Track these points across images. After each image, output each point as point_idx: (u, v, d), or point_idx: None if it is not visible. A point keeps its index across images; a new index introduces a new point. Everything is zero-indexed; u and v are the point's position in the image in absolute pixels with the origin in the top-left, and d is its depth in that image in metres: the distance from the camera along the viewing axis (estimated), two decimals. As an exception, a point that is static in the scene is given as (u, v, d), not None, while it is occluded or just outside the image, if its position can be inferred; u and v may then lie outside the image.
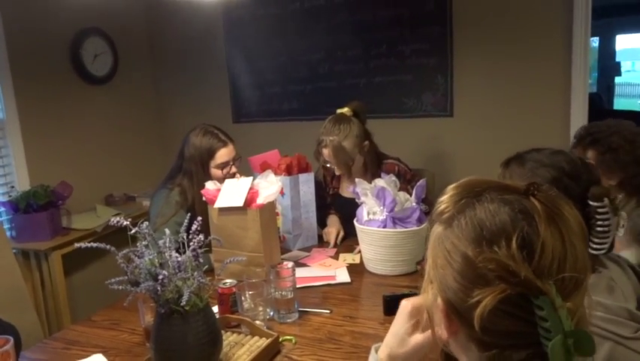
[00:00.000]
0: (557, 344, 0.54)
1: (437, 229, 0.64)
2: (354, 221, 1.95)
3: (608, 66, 9.30)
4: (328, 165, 2.28)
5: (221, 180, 2.06)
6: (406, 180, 2.24)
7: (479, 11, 2.84)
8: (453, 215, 0.62)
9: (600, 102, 6.95)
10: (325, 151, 2.22)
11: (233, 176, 2.13)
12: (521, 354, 0.57)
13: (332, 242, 2.19)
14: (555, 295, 0.55)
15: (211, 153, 2.09)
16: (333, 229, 2.24)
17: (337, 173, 2.32)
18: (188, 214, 2.01)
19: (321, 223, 2.33)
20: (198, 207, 2.01)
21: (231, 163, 2.14)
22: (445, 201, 0.64)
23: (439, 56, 2.94)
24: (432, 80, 2.99)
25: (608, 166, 1.61)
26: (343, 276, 1.85)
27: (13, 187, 2.79)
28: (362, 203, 1.93)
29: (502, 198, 0.60)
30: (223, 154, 2.11)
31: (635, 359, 0.83)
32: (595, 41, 7.87)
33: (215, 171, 2.11)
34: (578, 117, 2.70)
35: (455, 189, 0.65)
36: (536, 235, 0.56)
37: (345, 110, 2.28)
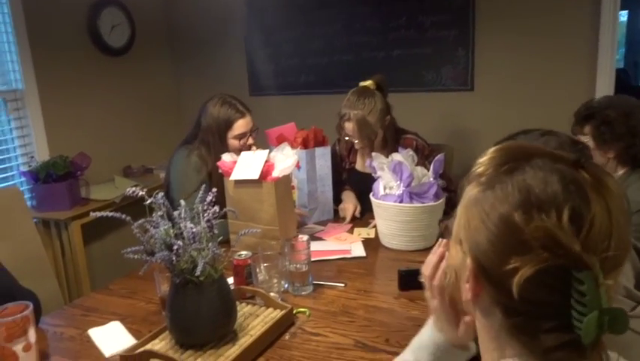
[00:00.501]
0: (593, 320, 0.53)
1: (474, 189, 0.62)
2: (370, 195, 1.93)
3: (637, 41, 8.99)
4: (347, 139, 2.26)
5: (237, 151, 2.06)
6: (424, 156, 2.21)
7: (503, -18, 2.75)
8: (495, 177, 0.60)
9: (627, 78, 6.74)
10: (348, 125, 2.19)
11: (250, 147, 2.12)
12: (548, 324, 0.56)
13: (348, 217, 2.18)
14: (598, 271, 0.53)
15: (229, 124, 2.08)
16: (350, 204, 2.22)
17: (358, 147, 2.28)
18: (203, 185, 2.04)
19: (336, 200, 2.32)
20: (214, 177, 2.02)
21: (249, 134, 2.13)
22: (485, 162, 0.62)
23: (461, 28, 2.87)
24: (452, 54, 2.92)
25: (604, 139, 1.68)
26: (358, 250, 1.85)
27: (32, 157, 2.83)
28: (378, 177, 1.91)
29: (552, 166, 0.58)
30: (241, 125, 2.10)
31: (632, 337, 0.81)
32: (623, 15, 7.60)
33: (233, 142, 2.10)
34: (604, 94, 2.62)
35: (498, 152, 0.62)
36: (587, 209, 0.55)
37: (369, 83, 2.25)
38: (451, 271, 0.67)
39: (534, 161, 0.59)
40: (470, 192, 0.62)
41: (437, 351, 0.82)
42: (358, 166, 2.39)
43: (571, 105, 2.69)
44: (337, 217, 2.28)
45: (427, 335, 0.84)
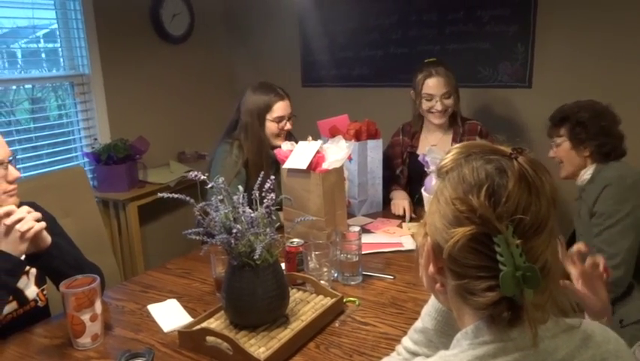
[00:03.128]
0: (507, 274, 0.64)
1: (436, 181, 0.76)
2: (422, 190, 1.92)
3: None
4: (426, 108, 2.22)
5: (275, 136, 2.12)
6: (490, 141, 2.19)
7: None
8: (448, 170, 0.73)
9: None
10: (432, 81, 2.18)
11: (287, 133, 2.16)
12: (485, 284, 0.67)
13: (407, 213, 2.14)
14: (510, 235, 0.65)
15: (268, 106, 2.12)
16: (404, 201, 2.21)
17: (438, 109, 2.20)
18: (244, 170, 2.09)
19: (385, 198, 2.31)
20: (252, 158, 2.08)
21: (287, 119, 2.16)
22: (446, 158, 0.76)
23: (521, 23, 2.79)
24: (511, 49, 2.85)
25: (579, 139, 1.84)
26: (410, 243, 1.85)
27: (95, 139, 2.97)
28: (431, 172, 1.90)
29: (486, 158, 0.71)
30: (280, 107, 2.13)
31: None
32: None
33: (271, 124, 2.14)
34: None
35: (456, 149, 0.76)
36: (504, 188, 0.67)
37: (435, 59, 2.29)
38: (420, 249, 0.79)
39: (475, 155, 0.72)
40: (435, 183, 0.77)
41: (438, 315, 0.93)
42: (420, 150, 2.34)
43: (636, 102, 2.59)
44: (387, 210, 2.29)
45: (430, 302, 0.96)
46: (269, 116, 2.13)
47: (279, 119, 2.14)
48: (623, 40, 2.58)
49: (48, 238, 1.33)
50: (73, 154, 2.98)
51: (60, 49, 2.90)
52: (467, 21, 2.94)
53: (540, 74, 2.81)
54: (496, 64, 2.91)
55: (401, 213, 2.17)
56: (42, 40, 2.93)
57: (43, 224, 1.30)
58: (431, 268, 0.76)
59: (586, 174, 1.86)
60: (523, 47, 2.81)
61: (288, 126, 2.17)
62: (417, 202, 2.21)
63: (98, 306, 1.29)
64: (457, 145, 0.78)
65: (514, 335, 0.68)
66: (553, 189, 0.71)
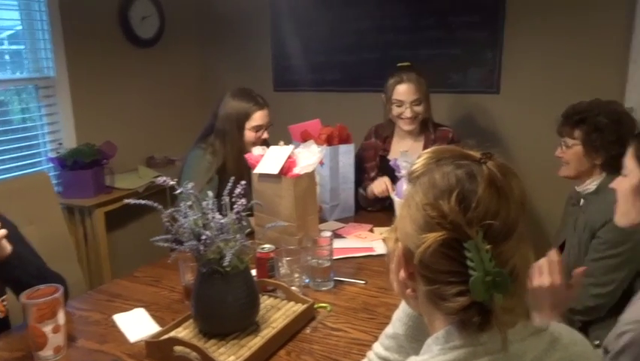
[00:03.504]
0: (478, 279, 0.64)
1: (407, 187, 0.76)
2: (393, 195, 1.93)
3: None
4: (396, 114, 2.22)
5: (252, 144, 2.10)
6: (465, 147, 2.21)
7: (535, -16, 2.71)
8: (419, 175, 0.73)
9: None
10: (403, 87, 2.17)
11: (264, 141, 2.14)
12: (456, 289, 0.67)
13: (389, 186, 2.12)
14: (480, 240, 0.65)
15: (248, 114, 2.11)
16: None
17: (407, 116, 2.19)
18: (216, 176, 2.06)
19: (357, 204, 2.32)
20: (231, 166, 2.06)
21: (264, 128, 2.14)
22: (417, 163, 0.76)
23: (490, 29, 2.84)
24: (480, 56, 2.90)
25: (593, 146, 1.69)
26: (381, 248, 1.85)
27: (61, 144, 2.88)
28: (402, 177, 1.91)
29: (456, 163, 0.71)
30: (259, 116, 2.12)
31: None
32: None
33: (249, 133, 2.12)
34: (634, 99, 2.57)
35: (426, 154, 0.76)
36: (474, 193, 0.67)
37: (407, 63, 2.29)
38: (391, 255, 0.79)
39: (445, 160, 0.72)
40: (406, 188, 0.76)
41: (409, 321, 0.93)
42: (391, 155, 2.33)
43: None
44: (358, 215, 2.29)
45: (401, 307, 0.95)
46: (247, 125, 2.12)
47: (257, 128, 2.13)
48: (588, 48, 2.66)
49: (8, 247, 1.28)
50: (38, 159, 2.89)
51: (24, 51, 2.81)
52: (439, 27, 2.98)
53: (508, 80, 2.87)
54: (466, 70, 2.95)
55: (384, 188, 2.15)
56: (5, 42, 2.84)
57: (3, 232, 1.25)
58: (402, 274, 0.75)
59: (592, 183, 1.74)
60: (492, 54, 2.86)
61: (265, 135, 2.16)
62: (388, 207, 2.22)
63: (61, 317, 1.24)
64: (428, 150, 0.78)
65: (484, 340, 0.68)
66: (522, 193, 0.71)
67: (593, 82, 2.67)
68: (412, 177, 0.75)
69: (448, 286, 0.68)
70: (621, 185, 1.23)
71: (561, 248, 1.79)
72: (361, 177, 2.34)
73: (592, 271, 1.58)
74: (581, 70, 2.69)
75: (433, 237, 0.67)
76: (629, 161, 1.21)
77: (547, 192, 2.85)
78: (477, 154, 0.73)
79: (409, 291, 0.76)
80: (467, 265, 0.66)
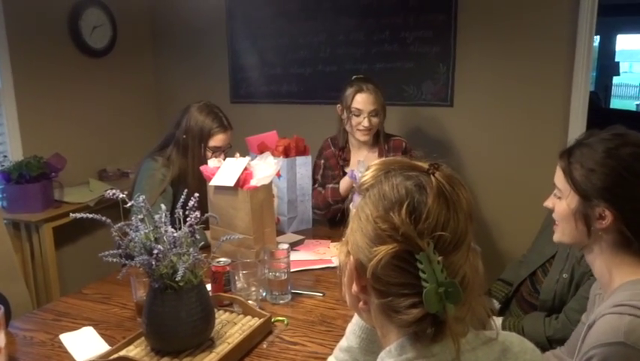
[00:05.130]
0: (431, 291, 0.64)
1: (358, 198, 0.75)
2: (350, 205, 1.93)
3: (607, 65, 9.28)
4: (355, 124, 2.21)
5: (206, 162, 2.05)
6: (413, 157, 2.23)
7: (485, 1, 2.81)
8: (368, 187, 0.73)
9: (597, 101, 6.97)
10: (362, 97, 2.17)
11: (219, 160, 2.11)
12: (408, 301, 0.67)
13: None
14: (432, 251, 0.65)
15: (211, 134, 2.07)
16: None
17: (365, 126, 2.19)
18: (170, 188, 2.02)
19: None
20: (192, 181, 2.02)
21: (223, 150, 2.11)
22: (366, 175, 0.75)
23: (442, 45, 2.92)
24: (433, 69, 2.97)
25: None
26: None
27: (6, 157, 2.76)
28: (358, 188, 1.92)
29: (405, 174, 0.71)
30: (220, 139, 2.09)
31: None
32: (595, 40, 7.86)
33: (207, 152, 2.08)
34: (578, 115, 2.70)
35: (375, 166, 0.76)
36: (424, 204, 0.67)
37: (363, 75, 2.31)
38: (343, 268, 0.78)
39: (394, 171, 0.72)
40: (357, 201, 0.76)
41: (362, 333, 0.92)
42: (351, 166, 2.32)
43: (546, 124, 2.79)
44: (316, 226, 2.28)
45: (354, 320, 0.95)
46: (208, 143, 2.08)
47: (215, 150, 2.09)
48: (530, 64, 2.78)
49: None
50: (-20, 173, 2.75)
51: (-35, 60, 2.69)
52: (392, 41, 3.04)
53: (460, 93, 2.95)
54: (420, 83, 3.02)
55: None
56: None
57: None
58: (354, 287, 0.75)
59: None
60: (445, 68, 2.94)
61: (221, 157, 2.11)
62: (339, 222, 2.23)
63: (1, 339, 1.17)
64: (377, 162, 0.77)
65: (436, 351, 0.68)
66: (470, 203, 0.72)
67: (539, 99, 2.79)
68: (362, 190, 0.75)
69: (400, 298, 0.68)
70: (559, 207, 1.14)
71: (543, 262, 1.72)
72: (325, 183, 2.33)
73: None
74: (527, 87, 2.80)
75: (384, 249, 0.67)
76: (559, 180, 1.14)
77: (496, 201, 2.94)
78: (425, 165, 0.73)
79: (361, 304, 0.76)
80: (419, 276, 0.66)
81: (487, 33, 2.83)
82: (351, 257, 0.74)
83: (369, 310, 0.75)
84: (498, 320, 1.67)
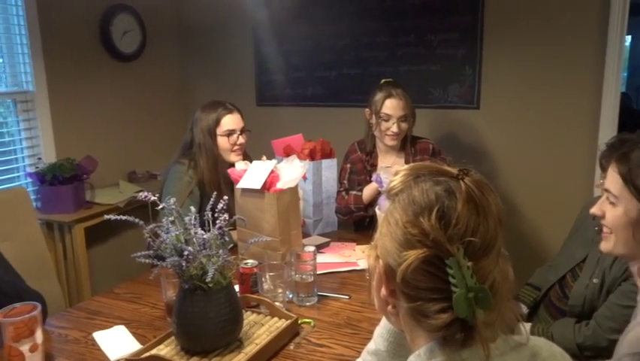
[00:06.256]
0: (460, 296, 0.65)
1: (386, 203, 0.76)
2: (376, 209, 1.93)
3: (639, 66, 9.04)
4: (383, 129, 2.20)
5: (228, 152, 2.09)
6: (442, 159, 2.24)
7: (513, 2, 2.78)
8: (397, 192, 0.73)
9: (629, 102, 6.79)
10: (392, 102, 2.17)
11: (241, 146, 2.13)
12: (439, 306, 0.68)
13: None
14: (462, 256, 0.66)
15: (217, 120, 2.10)
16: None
17: (394, 132, 2.18)
18: (197, 190, 2.05)
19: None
20: (207, 176, 2.06)
21: (238, 132, 2.12)
22: (395, 180, 0.76)
23: (469, 47, 2.90)
24: (459, 72, 2.95)
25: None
26: (365, 263, 1.85)
27: (40, 159, 2.84)
28: (384, 191, 1.92)
29: (434, 179, 0.72)
30: (228, 120, 2.11)
31: None
32: (626, 40, 7.67)
33: (222, 140, 2.10)
34: (609, 117, 2.65)
35: (404, 171, 0.76)
36: (454, 209, 0.68)
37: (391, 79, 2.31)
38: (372, 272, 0.79)
39: (423, 176, 0.73)
40: (385, 204, 0.76)
41: (390, 337, 0.93)
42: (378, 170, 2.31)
43: (575, 126, 2.74)
44: (341, 229, 2.29)
45: (382, 323, 0.95)
46: (219, 131, 2.10)
47: (229, 133, 2.10)
48: (559, 65, 2.73)
49: None
50: (16, 174, 2.85)
51: (2, 64, 2.78)
52: (418, 44, 3.03)
53: (487, 95, 2.92)
54: (446, 85, 3.00)
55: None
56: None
57: None
58: (383, 291, 0.75)
59: None
60: (471, 70, 2.92)
61: (241, 140, 2.13)
62: (368, 226, 2.23)
63: (39, 335, 1.22)
64: (405, 167, 0.78)
65: (465, 355, 0.69)
66: (499, 208, 0.72)
67: (568, 101, 2.75)
68: (391, 194, 0.75)
69: (429, 303, 0.68)
70: (613, 215, 1.07)
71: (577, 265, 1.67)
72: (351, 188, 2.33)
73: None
74: (556, 90, 2.76)
75: (414, 254, 0.68)
76: (615, 186, 1.06)
77: (523, 205, 2.91)
78: (454, 170, 0.73)
79: (390, 308, 0.76)
80: (449, 281, 0.66)
81: (514, 35, 2.80)
82: (380, 261, 0.75)
83: (398, 314, 0.76)
84: (527, 326, 1.65)
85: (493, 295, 0.67)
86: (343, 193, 2.29)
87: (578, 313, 1.59)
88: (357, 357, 1.02)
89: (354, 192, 2.26)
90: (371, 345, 0.97)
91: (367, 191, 2.20)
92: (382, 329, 0.94)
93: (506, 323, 0.74)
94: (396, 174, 0.78)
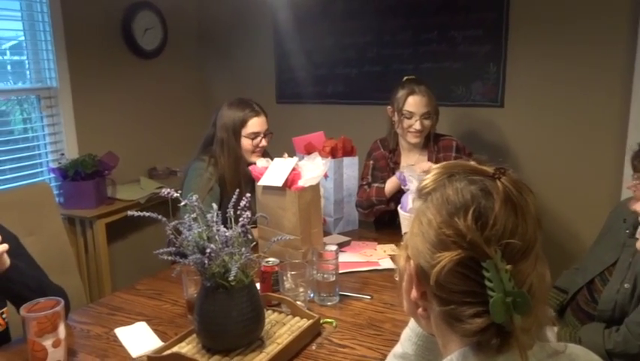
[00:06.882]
0: (498, 301, 0.62)
1: (418, 203, 0.73)
2: (399, 208, 1.91)
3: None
4: (405, 127, 2.16)
5: (250, 153, 2.09)
6: (467, 154, 2.22)
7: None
8: (430, 191, 0.71)
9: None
10: (414, 99, 2.13)
11: (262, 150, 2.13)
12: (472, 310, 0.65)
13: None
14: (499, 259, 0.63)
15: (243, 121, 2.09)
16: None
17: (417, 129, 2.14)
18: (218, 187, 2.05)
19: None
20: (228, 175, 2.05)
21: (262, 135, 2.12)
22: (427, 179, 0.73)
23: (493, 44, 2.84)
24: (483, 69, 2.89)
25: None
26: (387, 263, 1.83)
27: (62, 155, 2.87)
28: (407, 190, 1.89)
29: (470, 178, 0.69)
30: (255, 123, 2.10)
31: None
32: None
33: (245, 141, 2.10)
34: (638, 118, 2.57)
35: (437, 169, 0.74)
36: (491, 210, 0.65)
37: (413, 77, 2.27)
38: (402, 273, 0.76)
39: (457, 175, 0.70)
40: (416, 204, 0.74)
41: (419, 340, 0.90)
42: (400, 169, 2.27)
43: (603, 125, 2.67)
44: (362, 227, 2.27)
45: (410, 326, 0.92)
46: (243, 132, 2.10)
47: (254, 136, 2.10)
48: (586, 66, 2.66)
49: (7, 261, 1.25)
50: (39, 170, 2.88)
51: (27, 61, 2.81)
52: (441, 41, 2.98)
53: (511, 94, 2.86)
54: (469, 83, 2.95)
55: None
56: (8, 52, 2.84)
57: (4, 247, 1.23)
58: (414, 293, 0.73)
59: None
60: (495, 67, 2.86)
61: (263, 143, 2.13)
62: (389, 222, 2.20)
63: (62, 331, 1.22)
64: (438, 165, 0.75)
65: None
66: (538, 209, 0.69)
67: (595, 102, 2.67)
68: (422, 193, 0.72)
69: (463, 306, 0.66)
70: None
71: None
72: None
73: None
74: (582, 90, 2.68)
75: (448, 256, 0.65)
76: None
77: (548, 207, 2.84)
78: (490, 169, 0.70)
79: (420, 311, 0.74)
80: (485, 285, 0.63)
81: (540, 33, 2.73)
82: (411, 262, 0.72)
83: (429, 317, 0.73)
84: (554, 330, 1.61)
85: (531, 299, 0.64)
86: (366, 187, 2.25)
87: (607, 318, 1.54)
88: (380, 359, 1.00)
89: (376, 185, 2.22)
90: (398, 348, 0.94)
91: (390, 184, 2.16)
92: (411, 332, 0.92)
93: (541, 330, 0.71)
94: (427, 172, 0.75)
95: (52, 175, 2.85)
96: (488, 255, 0.63)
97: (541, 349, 0.70)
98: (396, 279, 0.81)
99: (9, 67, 2.83)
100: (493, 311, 0.62)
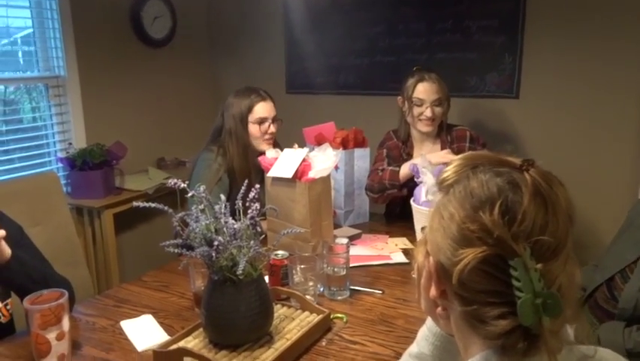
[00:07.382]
0: (526, 302, 0.58)
1: (438, 196, 0.69)
2: (411, 201, 1.86)
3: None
4: (416, 116, 2.11)
5: (259, 140, 2.05)
6: (481, 144, 2.18)
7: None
8: (451, 183, 0.67)
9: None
10: (424, 86, 2.07)
11: (272, 135, 2.09)
12: (496, 311, 0.61)
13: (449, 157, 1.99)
14: (528, 257, 0.58)
15: (249, 107, 2.06)
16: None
17: (427, 116, 2.08)
18: (226, 177, 2.02)
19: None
20: (237, 164, 2.03)
21: (270, 121, 2.08)
22: (447, 170, 0.69)
23: (509, 34, 2.77)
24: (498, 60, 2.82)
25: None
26: (399, 257, 1.78)
27: (70, 144, 2.85)
28: (420, 182, 1.84)
29: (495, 170, 0.64)
30: (261, 108, 2.06)
31: None
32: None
33: (253, 127, 2.06)
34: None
35: (458, 161, 0.69)
36: (519, 204, 0.60)
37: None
38: (420, 269, 0.72)
39: (481, 167, 0.66)
40: (437, 197, 0.69)
41: (436, 340, 0.86)
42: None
43: (621, 124, 2.59)
44: (373, 220, 2.22)
45: (427, 325, 0.88)
46: (250, 118, 2.06)
47: (261, 121, 2.06)
48: (604, 60, 2.58)
49: (7, 251, 1.22)
50: (47, 159, 2.86)
51: (35, 49, 2.78)
52: (455, 31, 2.91)
53: (526, 84, 2.79)
54: (483, 74, 2.88)
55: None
56: (17, 41, 2.81)
57: (2, 233, 1.19)
58: (433, 291, 0.69)
59: None
60: (511, 58, 2.79)
61: (272, 129, 2.08)
62: (400, 215, 2.16)
63: (66, 323, 1.18)
64: (460, 156, 0.71)
65: None
66: (570, 204, 0.65)
67: (612, 94, 2.59)
68: (444, 186, 0.68)
69: (487, 307, 0.62)
70: None
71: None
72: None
73: None
74: (599, 83, 2.61)
75: (472, 253, 0.61)
76: None
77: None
78: (517, 161, 0.66)
79: (439, 310, 0.70)
80: (511, 284, 0.59)
81: (558, 24, 2.65)
82: (431, 258, 0.68)
83: (448, 317, 0.69)
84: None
85: None
86: (379, 170, 2.15)
87: (628, 316, 1.49)
88: (393, 356, 0.96)
89: (390, 168, 2.13)
90: (414, 348, 0.90)
91: (405, 169, 2.06)
92: (428, 331, 0.87)
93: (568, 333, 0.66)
94: (449, 163, 0.70)
95: (59, 165, 2.83)
96: (516, 252, 0.59)
97: (570, 353, 0.65)
98: (414, 276, 0.77)
99: (18, 55, 2.81)
100: (521, 313, 0.58)
